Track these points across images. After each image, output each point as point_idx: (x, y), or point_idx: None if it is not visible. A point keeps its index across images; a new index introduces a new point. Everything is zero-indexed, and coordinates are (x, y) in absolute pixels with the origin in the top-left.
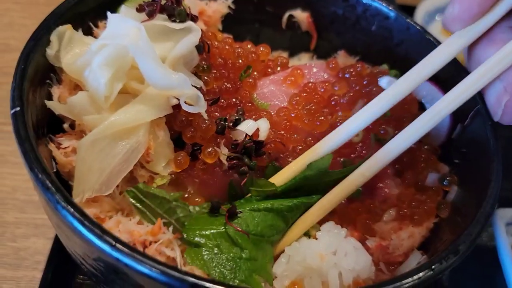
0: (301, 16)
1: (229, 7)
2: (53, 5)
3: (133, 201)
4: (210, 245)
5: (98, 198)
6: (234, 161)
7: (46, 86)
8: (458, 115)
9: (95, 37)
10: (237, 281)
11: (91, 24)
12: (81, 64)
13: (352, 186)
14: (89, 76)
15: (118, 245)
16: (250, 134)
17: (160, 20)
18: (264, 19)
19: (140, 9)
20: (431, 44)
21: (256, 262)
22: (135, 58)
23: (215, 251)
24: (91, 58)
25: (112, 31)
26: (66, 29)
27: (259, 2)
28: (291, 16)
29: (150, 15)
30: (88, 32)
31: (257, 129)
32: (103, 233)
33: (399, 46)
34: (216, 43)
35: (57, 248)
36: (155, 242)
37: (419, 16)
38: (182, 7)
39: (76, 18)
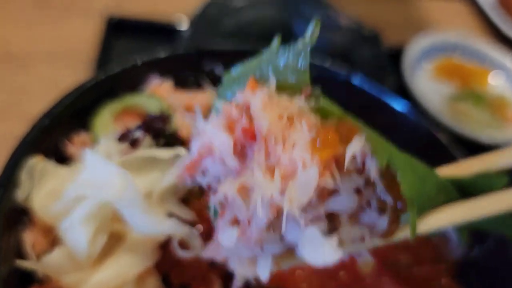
0: None
1: None
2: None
3: None
4: None
5: None
6: None
7: (17, 232)
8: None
9: (70, 157)
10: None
11: (66, 140)
12: (57, 212)
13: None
14: (67, 231)
15: None
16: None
17: (146, 148)
18: None
19: (122, 138)
20: None
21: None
22: (120, 212)
23: None
24: (68, 206)
25: (91, 176)
26: (38, 162)
27: None
28: None
29: (134, 146)
30: (61, 157)
31: None
32: None
33: None
34: None
35: None
36: None
37: (408, 60)
38: (170, 128)
39: (47, 142)
